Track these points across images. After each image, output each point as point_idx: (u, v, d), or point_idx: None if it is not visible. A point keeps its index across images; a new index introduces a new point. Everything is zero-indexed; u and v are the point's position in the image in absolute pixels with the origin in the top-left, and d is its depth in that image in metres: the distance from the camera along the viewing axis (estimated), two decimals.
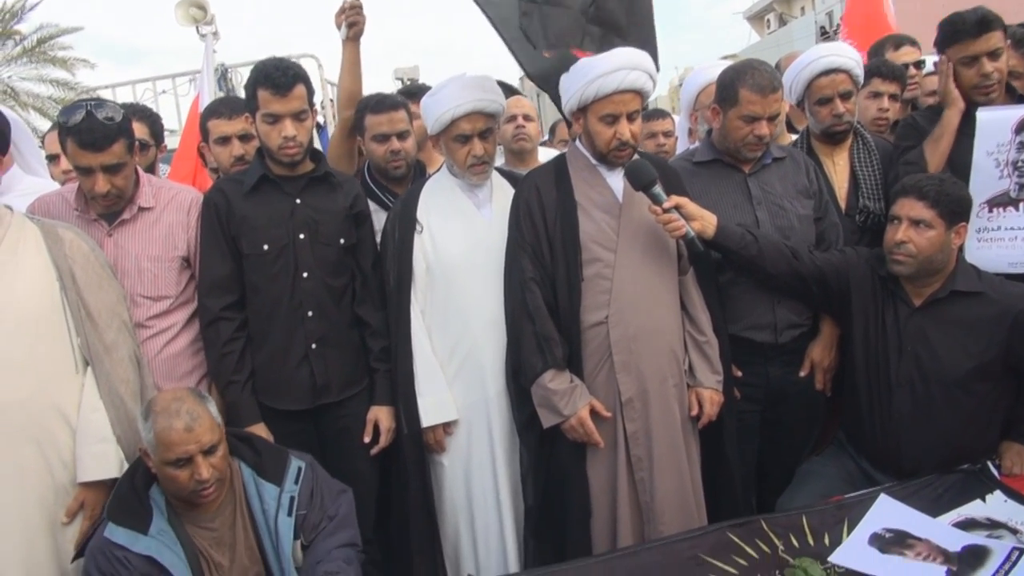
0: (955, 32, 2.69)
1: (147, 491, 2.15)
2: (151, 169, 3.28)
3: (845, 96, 2.84)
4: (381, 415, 2.69)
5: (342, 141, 3.24)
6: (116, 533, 2.05)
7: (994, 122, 2.62)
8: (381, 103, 3.08)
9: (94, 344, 2.29)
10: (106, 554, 2.04)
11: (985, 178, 2.58)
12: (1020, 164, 2.59)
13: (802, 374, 2.70)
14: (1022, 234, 2.60)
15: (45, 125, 13.43)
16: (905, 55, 3.71)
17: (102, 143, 2.38)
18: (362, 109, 3.13)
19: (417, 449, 2.66)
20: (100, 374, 2.29)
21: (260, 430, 2.58)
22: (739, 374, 2.66)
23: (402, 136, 3.05)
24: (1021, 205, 2.60)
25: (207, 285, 2.59)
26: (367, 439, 2.69)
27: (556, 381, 2.43)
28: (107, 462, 2.24)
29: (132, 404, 2.32)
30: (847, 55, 2.85)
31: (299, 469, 2.27)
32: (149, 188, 2.62)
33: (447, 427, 2.66)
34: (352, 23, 3.01)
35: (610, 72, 2.37)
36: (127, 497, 2.12)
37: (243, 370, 2.59)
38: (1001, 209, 2.61)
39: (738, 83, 2.56)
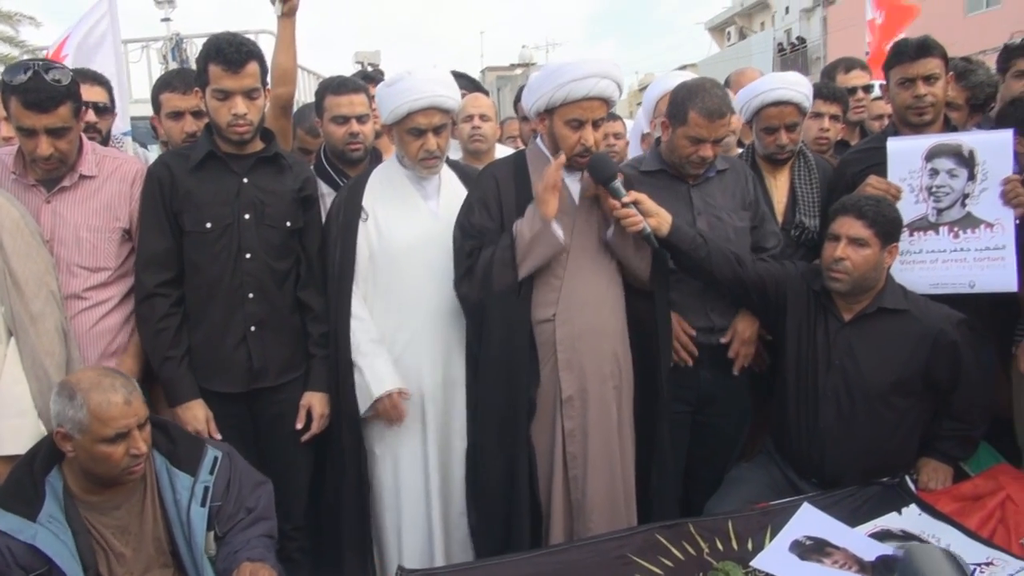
0: (898, 53, 2.81)
1: (44, 476, 2.04)
2: (108, 136, 3.21)
3: (791, 127, 2.95)
4: (315, 401, 2.66)
5: (275, 119, 3.11)
6: (2, 520, 1.95)
7: (904, 151, 2.72)
8: (343, 85, 3.06)
9: (19, 314, 2.22)
10: None
11: (902, 204, 2.67)
12: (934, 189, 2.69)
13: (723, 340, 2.74)
14: (943, 256, 2.70)
15: None
16: (854, 79, 3.88)
17: (47, 104, 2.31)
18: (322, 90, 3.10)
19: (354, 436, 2.64)
20: (24, 345, 2.22)
21: (198, 407, 2.53)
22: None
23: (361, 119, 3.03)
24: (941, 229, 2.70)
25: (144, 260, 2.53)
26: (299, 425, 2.65)
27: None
28: (23, 436, 2.16)
29: (56, 376, 2.24)
30: (796, 88, 2.94)
31: (215, 459, 2.19)
32: (92, 156, 2.55)
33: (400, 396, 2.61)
34: None
35: (582, 78, 2.38)
36: (21, 481, 2.02)
37: (179, 346, 2.54)
38: (922, 233, 2.71)
39: (688, 104, 2.60)
